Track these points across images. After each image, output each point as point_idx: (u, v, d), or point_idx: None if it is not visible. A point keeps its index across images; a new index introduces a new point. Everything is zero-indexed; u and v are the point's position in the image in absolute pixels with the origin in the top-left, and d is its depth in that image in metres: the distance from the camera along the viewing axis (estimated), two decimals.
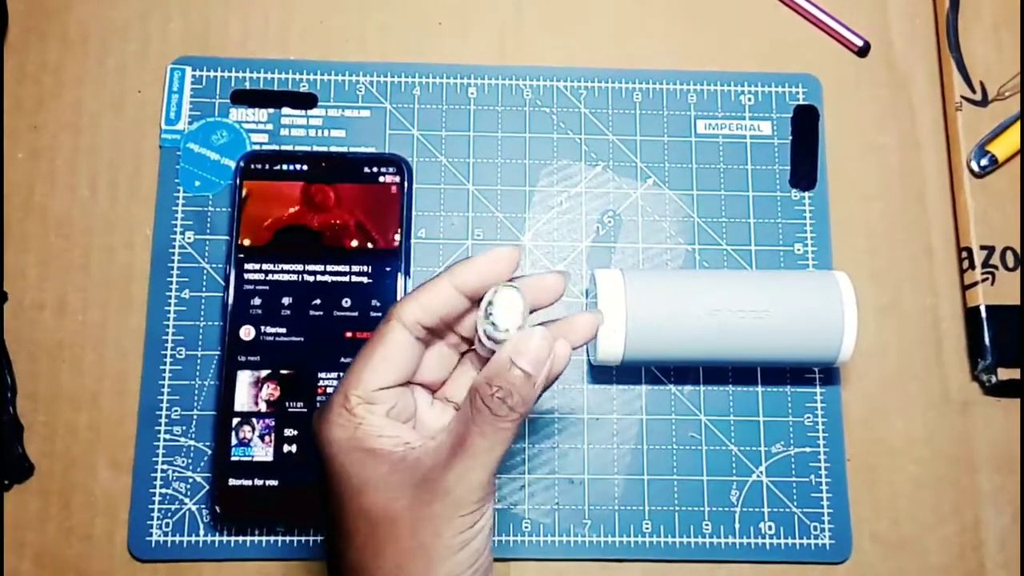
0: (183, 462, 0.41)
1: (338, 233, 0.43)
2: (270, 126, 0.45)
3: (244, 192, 0.43)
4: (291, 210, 0.43)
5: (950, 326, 0.44)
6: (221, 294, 0.43)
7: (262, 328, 0.41)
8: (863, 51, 0.47)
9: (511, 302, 0.31)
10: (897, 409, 0.44)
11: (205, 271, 0.43)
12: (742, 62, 0.47)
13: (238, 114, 0.45)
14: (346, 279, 0.42)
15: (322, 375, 0.41)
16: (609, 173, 0.45)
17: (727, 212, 0.45)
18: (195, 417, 0.42)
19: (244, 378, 0.41)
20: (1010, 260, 0.44)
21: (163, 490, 0.41)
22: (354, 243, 0.43)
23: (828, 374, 0.44)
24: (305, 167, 0.43)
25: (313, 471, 0.40)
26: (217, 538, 0.41)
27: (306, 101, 0.45)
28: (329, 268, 0.42)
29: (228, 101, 0.45)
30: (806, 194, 0.45)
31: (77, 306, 0.43)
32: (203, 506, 0.41)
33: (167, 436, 0.42)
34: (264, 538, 0.41)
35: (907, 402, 0.44)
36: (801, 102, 0.46)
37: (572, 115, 0.46)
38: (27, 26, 0.46)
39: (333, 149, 0.45)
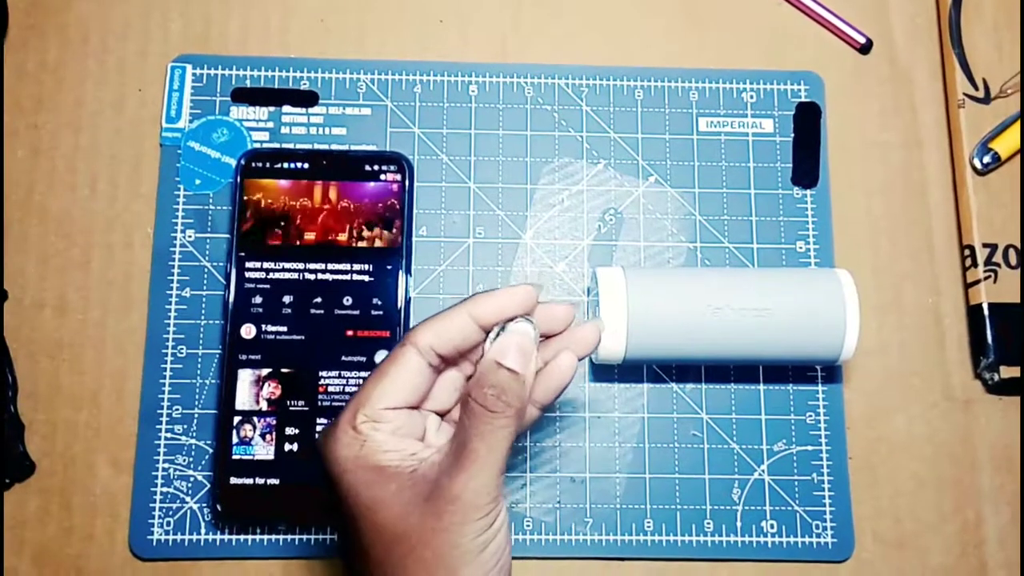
0: (184, 461, 0.41)
1: (339, 231, 0.43)
2: (271, 124, 0.45)
3: (245, 190, 0.43)
4: (292, 208, 0.43)
5: (952, 324, 0.44)
6: (222, 292, 0.43)
7: (263, 327, 0.41)
8: (865, 48, 0.47)
9: (523, 332, 0.32)
10: (899, 407, 0.44)
11: (206, 269, 0.43)
12: (744, 59, 0.47)
13: (239, 112, 0.45)
14: (347, 277, 0.42)
15: (323, 373, 0.41)
16: (611, 171, 0.45)
17: (729, 210, 0.45)
18: (196, 416, 0.42)
19: (245, 376, 0.41)
20: (1012, 258, 0.44)
21: (164, 489, 0.41)
22: (355, 241, 0.42)
23: (830, 372, 0.44)
24: (306, 165, 0.43)
25: (314, 470, 0.40)
26: (218, 537, 0.41)
27: (307, 99, 0.45)
28: (330, 266, 0.42)
29: (229, 99, 0.45)
30: (808, 192, 0.45)
31: (78, 305, 0.43)
32: (204, 505, 0.41)
33: (168, 435, 0.42)
34: (265, 537, 0.41)
35: (909, 400, 0.44)
36: (803, 99, 0.46)
37: (573, 113, 0.46)
38: (27, 24, 0.46)
39: (334, 147, 0.45)
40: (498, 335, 0.32)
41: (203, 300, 0.43)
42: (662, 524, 0.42)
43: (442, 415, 0.34)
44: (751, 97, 0.46)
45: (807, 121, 0.46)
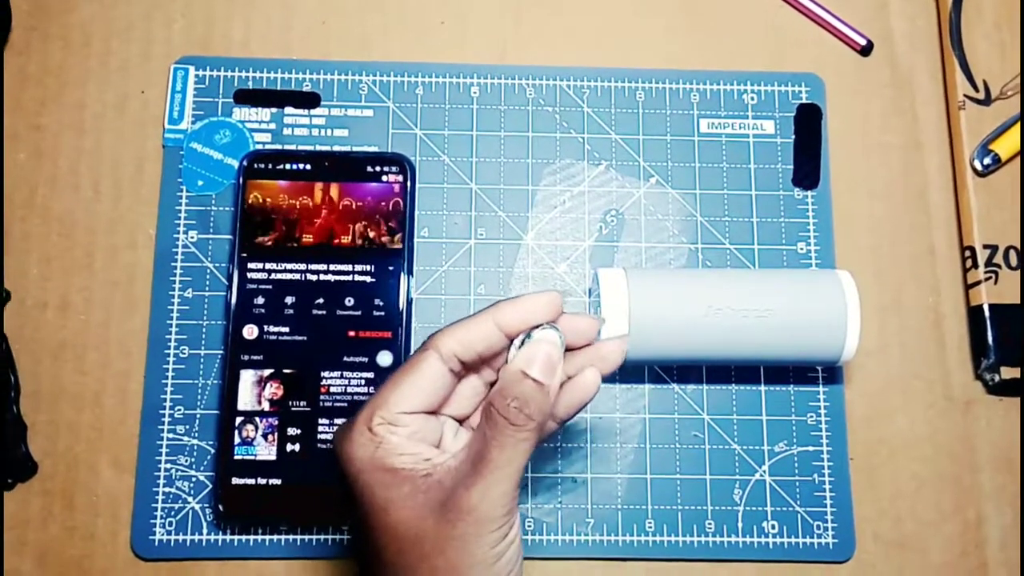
0: (186, 461, 0.41)
1: (341, 232, 0.43)
2: (273, 125, 0.45)
3: (247, 191, 0.43)
4: (294, 209, 0.43)
5: (953, 325, 0.44)
6: (224, 293, 0.43)
7: (265, 327, 0.41)
8: (866, 50, 0.47)
9: (551, 341, 0.31)
10: (900, 408, 0.44)
11: (208, 270, 0.43)
12: (745, 61, 0.47)
13: (241, 114, 0.45)
14: (349, 278, 0.42)
15: (325, 374, 0.41)
16: (612, 172, 0.45)
17: (730, 211, 0.45)
18: (198, 416, 0.42)
19: (247, 377, 0.41)
20: (1013, 259, 0.44)
21: (166, 489, 0.41)
22: (357, 242, 0.43)
23: (831, 373, 0.44)
24: (308, 166, 0.43)
25: (315, 470, 0.40)
26: (220, 537, 0.41)
27: (309, 100, 0.45)
28: (332, 267, 0.42)
29: (231, 101, 0.45)
30: (809, 193, 0.45)
31: (80, 306, 0.43)
32: (206, 505, 0.41)
33: (170, 435, 0.42)
34: (267, 537, 0.41)
35: (910, 401, 0.44)
36: (804, 101, 0.46)
37: (575, 114, 0.46)
38: (30, 26, 0.46)
39: (336, 148, 0.45)
40: (523, 343, 0.31)
41: (205, 301, 0.43)
42: (663, 525, 0.42)
43: (460, 421, 0.34)
44: (752, 99, 0.46)
45: (808, 123, 0.46)
